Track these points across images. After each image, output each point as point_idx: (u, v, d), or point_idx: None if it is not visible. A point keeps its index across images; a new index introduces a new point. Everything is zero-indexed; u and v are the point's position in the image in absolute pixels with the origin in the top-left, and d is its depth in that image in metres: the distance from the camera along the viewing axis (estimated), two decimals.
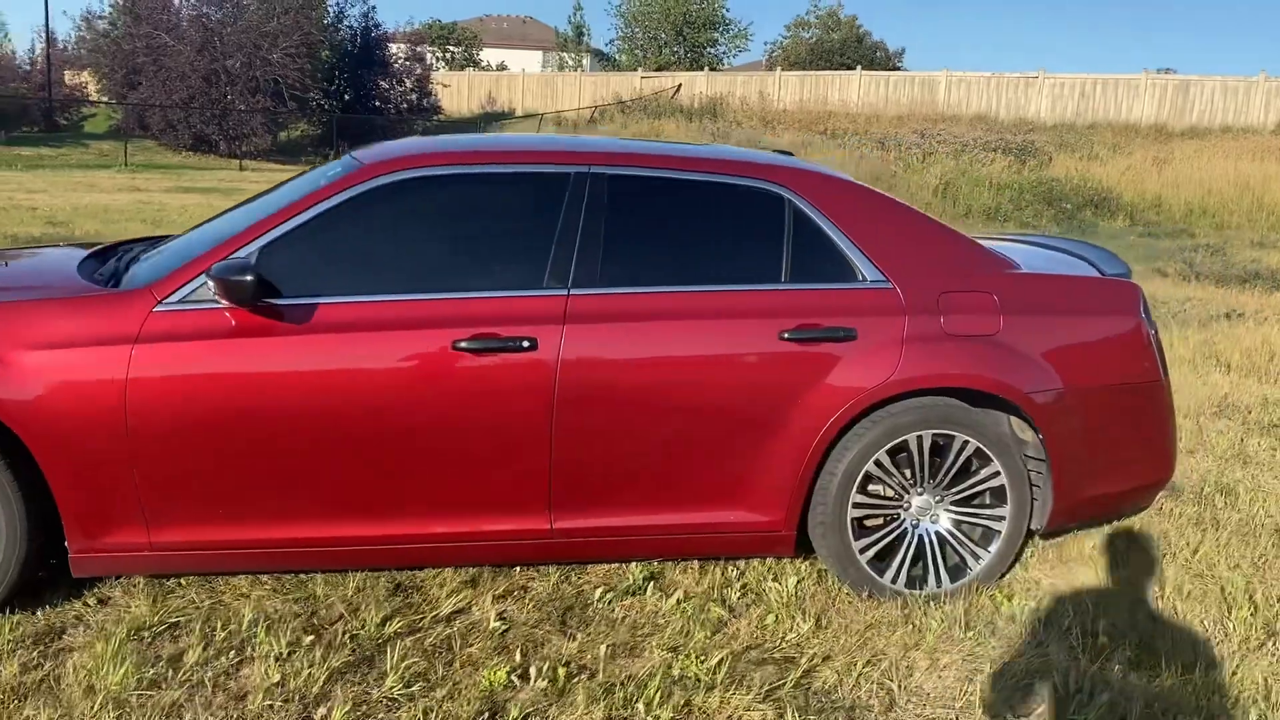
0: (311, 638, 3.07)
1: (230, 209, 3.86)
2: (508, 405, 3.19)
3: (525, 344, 3.16)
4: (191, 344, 3.03)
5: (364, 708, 2.75)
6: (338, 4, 34.93)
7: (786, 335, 3.33)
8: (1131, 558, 3.95)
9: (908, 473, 3.50)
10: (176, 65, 28.02)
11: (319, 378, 3.10)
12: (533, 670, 2.94)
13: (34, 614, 3.12)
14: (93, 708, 2.66)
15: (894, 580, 3.53)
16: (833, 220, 3.50)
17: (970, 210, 20.46)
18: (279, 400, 3.07)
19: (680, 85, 35.14)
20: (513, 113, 37.89)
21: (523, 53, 56.10)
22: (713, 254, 3.48)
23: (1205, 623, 3.46)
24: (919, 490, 3.53)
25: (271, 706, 2.72)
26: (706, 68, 38.21)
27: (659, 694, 2.85)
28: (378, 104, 34.94)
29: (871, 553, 3.51)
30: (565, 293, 3.25)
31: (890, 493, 3.51)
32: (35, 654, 2.91)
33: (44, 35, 35.99)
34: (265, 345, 3.07)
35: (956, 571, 3.59)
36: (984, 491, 3.55)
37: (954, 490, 3.54)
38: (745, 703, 2.85)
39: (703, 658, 3.05)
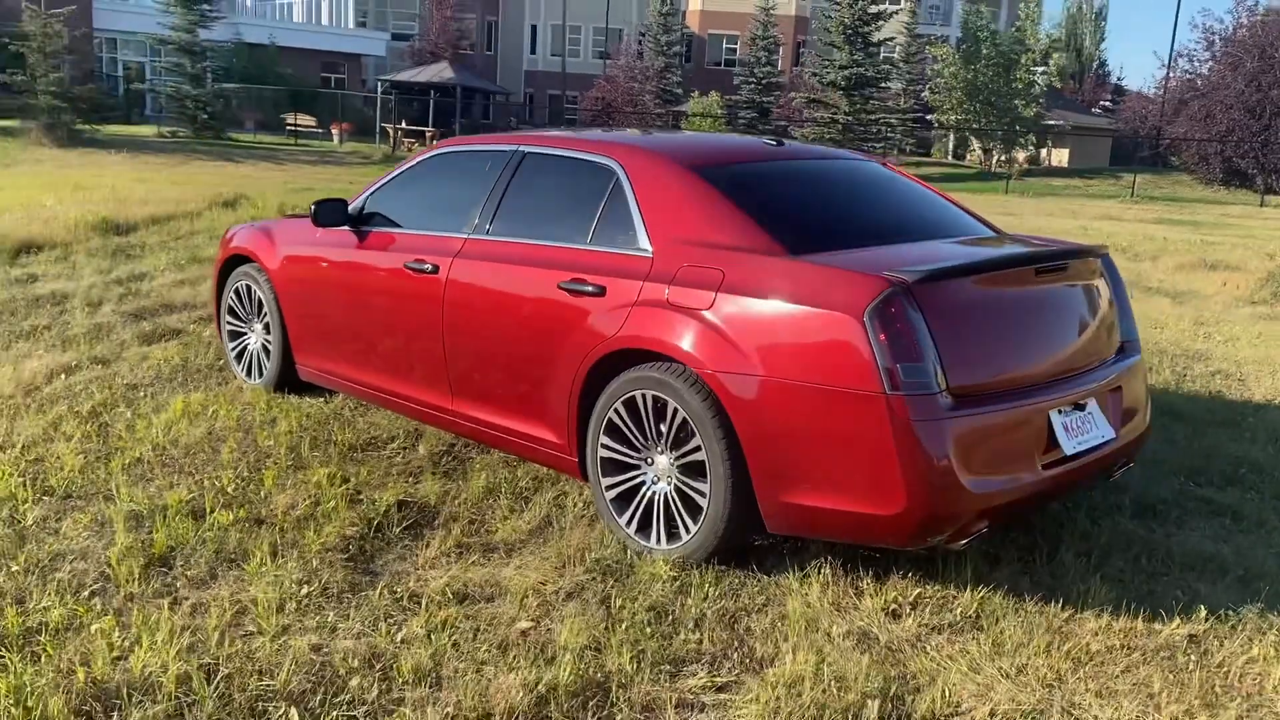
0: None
1: None
2: (426, 310, 4.55)
3: (429, 268, 4.49)
4: (331, 248, 5.15)
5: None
6: None
7: (561, 285, 3.96)
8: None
9: (644, 429, 3.74)
10: (1222, 98, 27.45)
11: (361, 273, 4.92)
12: (366, 481, 4.39)
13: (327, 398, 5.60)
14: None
15: (628, 524, 3.82)
16: (638, 195, 3.92)
17: None
18: (347, 286, 5.00)
19: None
20: None
21: None
22: (558, 215, 4.25)
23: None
24: (660, 449, 3.73)
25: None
26: None
27: (386, 500, 4.10)
28: None
29: (615, 493, 3.87)
30: (466, 236, 4.44)
31: (634, 443, 3.79)
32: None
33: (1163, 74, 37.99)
34: (349, 250, 5.02)
35: (673, 536, 3.67)
36: (693, 464, 3.57)
37: (676, 455, 3.65)
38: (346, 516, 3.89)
39: (410, 499, 4.15)
